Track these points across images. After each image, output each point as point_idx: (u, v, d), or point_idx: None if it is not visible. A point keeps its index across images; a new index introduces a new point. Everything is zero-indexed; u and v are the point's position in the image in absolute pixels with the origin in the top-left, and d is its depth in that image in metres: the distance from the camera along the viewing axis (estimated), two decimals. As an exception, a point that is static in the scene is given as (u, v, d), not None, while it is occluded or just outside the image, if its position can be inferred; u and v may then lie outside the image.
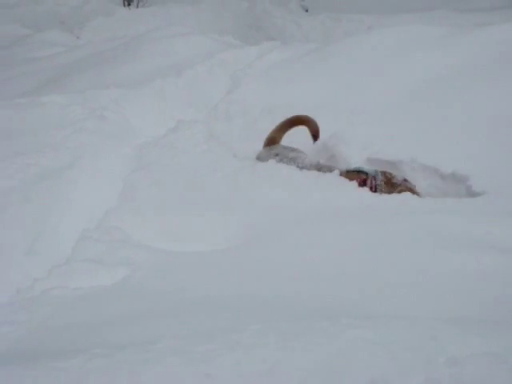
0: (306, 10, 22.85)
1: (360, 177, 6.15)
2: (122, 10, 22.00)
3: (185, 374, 2.81)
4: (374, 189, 6.05)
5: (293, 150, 6.85)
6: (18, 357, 3.28)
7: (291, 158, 6.66)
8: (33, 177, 5.90)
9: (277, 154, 6.74)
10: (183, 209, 5.79)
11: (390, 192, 6.00)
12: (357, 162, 6.66)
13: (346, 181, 6.15)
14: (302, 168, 6.46)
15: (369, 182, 6.10)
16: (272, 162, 6.53)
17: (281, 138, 7.14)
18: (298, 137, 7.20)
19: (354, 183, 6.09)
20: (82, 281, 4.40)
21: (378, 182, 6.10)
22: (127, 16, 20.92)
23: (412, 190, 6.04)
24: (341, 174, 6.22)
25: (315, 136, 7.09)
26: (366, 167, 6.34)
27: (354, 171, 6.27)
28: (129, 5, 23.31)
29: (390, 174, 6.19)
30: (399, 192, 5.98)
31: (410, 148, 6.51)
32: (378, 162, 6.55)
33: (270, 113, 7.85)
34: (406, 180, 6.15)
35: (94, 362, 2.89)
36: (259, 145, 7.23)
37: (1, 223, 5.14)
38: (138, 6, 23.26)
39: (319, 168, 6.43)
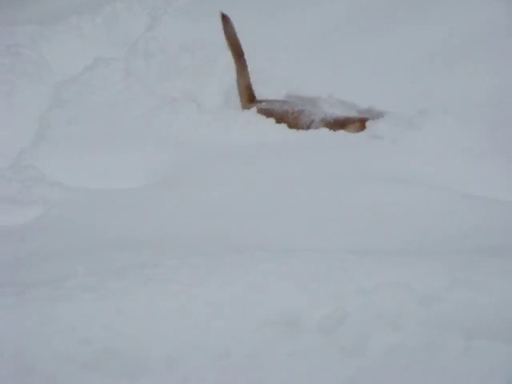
0: None
1: None
2: None
3: (96, 310, 2.79)
4: None
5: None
6: None
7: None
8: None
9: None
10: (100, 147, 5.72)
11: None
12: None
13: (264, 118, 6.14)
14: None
15: None
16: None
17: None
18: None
19: (272, 120, 6.09)
20: (-6, 219, 4.34)
21: None
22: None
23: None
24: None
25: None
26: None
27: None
28: None
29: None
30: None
31: (329, 84, 6.51)
32: (297, 99, 6.54)
33: (190, 50, 7.74)
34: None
35: (2, 300, 2.85)
36: (178, 83, 7.16)
37: None
38: None
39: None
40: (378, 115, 6.07)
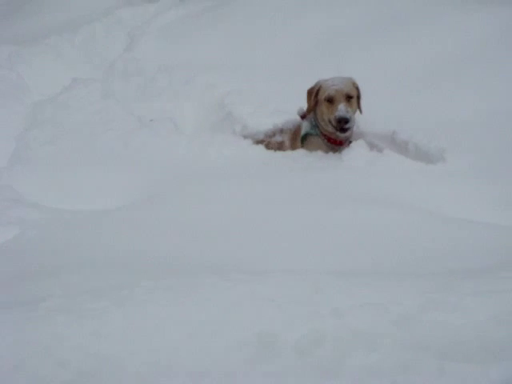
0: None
1: None
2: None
3: (72, 332, 2.79)
4: None
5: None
6: None
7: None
8: None
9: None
10: (77, 167, 5.73)
11: None
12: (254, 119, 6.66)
13: (241, 138, 6.19)
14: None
15: None
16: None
17: None
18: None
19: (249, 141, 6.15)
20: (-30, 240, 4.32)
21: None
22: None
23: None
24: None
25: None
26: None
27: None
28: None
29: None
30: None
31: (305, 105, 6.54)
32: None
33: (168, 71, 7.78)
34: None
35: (-23, 322, 2.85)
36: (156, 103, 7.20)
37: None
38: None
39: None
40: (358, 136, 6.13)
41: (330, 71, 6.61)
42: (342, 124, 5.82)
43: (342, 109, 5.83)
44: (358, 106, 6.02)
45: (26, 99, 7.52)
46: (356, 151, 5.78)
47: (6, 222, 4.62)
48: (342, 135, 5.94)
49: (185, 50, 8.38)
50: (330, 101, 5.95)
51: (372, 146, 5.93)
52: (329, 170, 5.58)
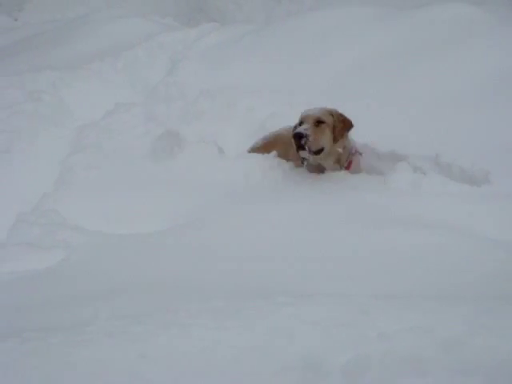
0: (248, -9, 22.70)
1: None
2: (62, -8, 21.61)
3: (119, 356, 2.80)
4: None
5: None
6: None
7: None
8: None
9: None
10: (121, 191, 5.76)
11: None
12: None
13: (284, 161, 6.20)
14: None
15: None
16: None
17: None
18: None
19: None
20: (17, 264, 4.36)
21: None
22: (67, -3, 20.55)
23: None
24: None
25: None
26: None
27: None
28: (68, -14, 22.87)
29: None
30: None
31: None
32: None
33: (209, 94, 7.82)
34: None
35: (26, 345, 2.87)
36: (198, 126, 7.24)
37: None
38: (77, -12, 22.84)
39: None
40: (399, 159, 6.09)
41: (369, 95, 6.61)
42: (297, 140, 5.80)
43: (300, 127, 5.84)
44: (335, 134, 5.99)
45: (69, 124, 7.61)
46: (400, 173, 5.75)
47: (52, 245, 4.67)
48: (301, 153, 5.90)
49: (226, 73, 8.44)
50: (300, 124, 5.96)
51: (415, 168, 5.89)
52: (372, 191, 5.55)
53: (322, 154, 5.92)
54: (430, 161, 6.06)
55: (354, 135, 6.20)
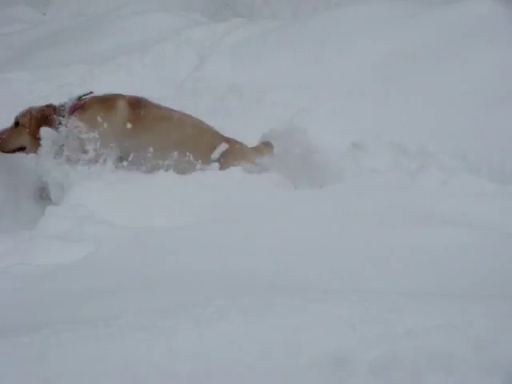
0: (275, -13, 22.67)
1: None
2: (89, -14, 21.70)
3: (148, 349, 2.81)
4: None
5: None
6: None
7: None
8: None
9: None
10: (147, 185, 5.77)
11: None
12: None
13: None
14: None
15: None
16: None
17: None
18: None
19: None
20: (46, 258, 4.39)
21: None
22: (94, -8, 20.63)
23: None
24: None
25: None
26: None
27: None
28: (96, -19, 22.96)
29: None
30: None
31: (374, 125, 6.52)
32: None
33: (237, 90, 7.83)
34: None
35: (56, 337, 2.89)
36: (226, 122, 7.24)
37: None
38: (104, -17, 22.92)
39: None
40: (427, 157, 6.07)
41: (395, 91, 6.58)
42: None
43: None
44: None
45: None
46: (428, 171, 5.72)
47: (80, 238, 4.69)
48: None
49: (253, 69, 8.44)
50: None
51: (443, 166, 5.86)
52: (400, 189, 5.53)
53: None
54: (458, 159, 6.04)
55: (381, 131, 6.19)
